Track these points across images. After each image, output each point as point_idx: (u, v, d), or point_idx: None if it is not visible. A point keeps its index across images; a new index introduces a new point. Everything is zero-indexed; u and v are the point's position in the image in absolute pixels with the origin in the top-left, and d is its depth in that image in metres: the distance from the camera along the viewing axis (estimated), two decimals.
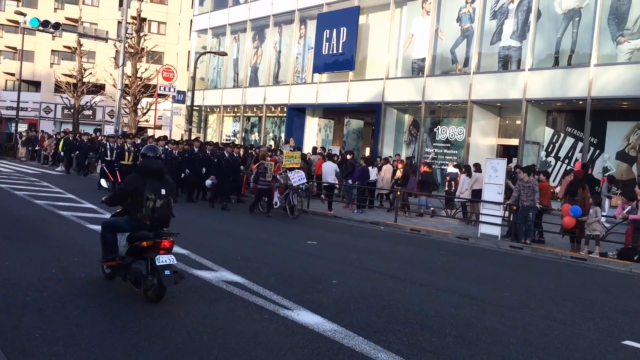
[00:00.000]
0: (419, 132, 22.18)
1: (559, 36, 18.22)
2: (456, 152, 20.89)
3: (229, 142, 28.28)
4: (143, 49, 32.25)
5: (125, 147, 16.52)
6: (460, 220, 15.42)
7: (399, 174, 16.43)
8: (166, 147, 16.15)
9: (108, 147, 17.78)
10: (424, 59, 21.94)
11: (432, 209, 16.32)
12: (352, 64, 24.07)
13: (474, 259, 10.23)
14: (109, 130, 32.11)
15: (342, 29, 24.41)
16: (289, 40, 28.37)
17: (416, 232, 13.32)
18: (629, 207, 10.71)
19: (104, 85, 38.64)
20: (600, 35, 16.99)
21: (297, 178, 14.45)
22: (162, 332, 4.94)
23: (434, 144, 21.94)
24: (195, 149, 16.56)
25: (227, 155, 15.66)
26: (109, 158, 17.38)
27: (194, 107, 28.37)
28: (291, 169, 14.64)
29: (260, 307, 5.91)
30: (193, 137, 24.08)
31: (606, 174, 16.72)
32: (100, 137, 23.41)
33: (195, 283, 6.73)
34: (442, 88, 21.18)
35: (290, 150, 15.95)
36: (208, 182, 15.35)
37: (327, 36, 25.09)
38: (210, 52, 31.07)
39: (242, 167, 17.18)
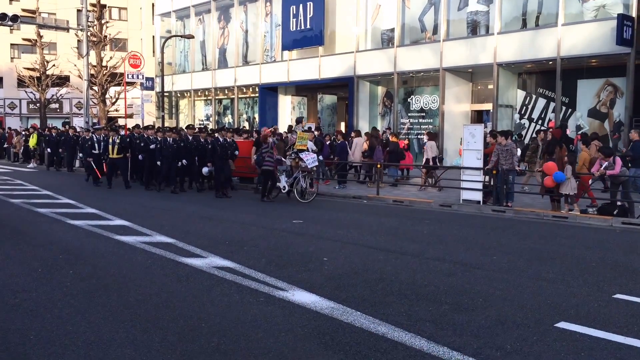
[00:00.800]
0: (393, 103, 22.19)
1: None
2: (431, 120, 20.99)
3: (202, 126, 27.94)
4: (106, 36, 31.45)
5: (110, 140, 16.16)
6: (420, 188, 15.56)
7: (365, 145, 16.48)
8: (157, 135, 15.75)
9: (95, 140, 17.44)
10: (393, 29, 21.84)
11: (396, 179, 16.56)
12: (322, 39, 23.85)
13: (459, 226, 10.34)
14: (78, 122, 31.37)
15: (308, 3, 24.10)
16: (255, 19, 27.93)
17: (399, 203, 13.40)
18: (606, 163, 10.90)
19: (69, 76, 37.65)
20: None
21: (311, 160, 13.64)
22: (158, 323, 4.89)
23: (409, 114, 22.00)
24: (190, 137, 15.95)
25: (221, 140, 14.82)
26: (96, 151, 17.11)
27: (164, 93, 27.89)
28: (301, 151, 13.84)
29: (254, 290, 5.89)
30: (169, 125, 23.71)
31: (579, 132, 17.00)
32: (81, 131, 22.40)
33: (186, 271, 6.66)
34: (413, 57, 21.16)
35: (302, 131, 15.39)
36: (205, 169, 14.83)
37: (294, 12, 24.75)
38: (176, 36, 30.46)
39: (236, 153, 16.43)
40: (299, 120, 16.65)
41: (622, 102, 16.54)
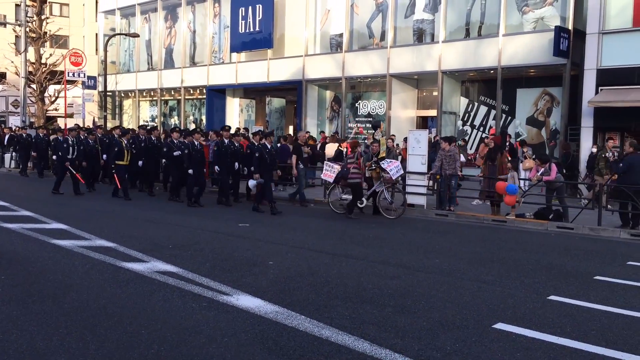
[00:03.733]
0: (341, 108, 22.37)
1: (468, 8, 18.84)
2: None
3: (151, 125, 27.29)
4: (46, 32, 30.30)
5: (124, 144, 14.09)
6: None
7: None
8: (184, 139, 13.59)
9: (70, 142, 15.10)
10: (341, 35, 22.03)
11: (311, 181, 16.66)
12: (270, 42, 23.78)
13: (403, 229, 10.52)
14: (14, 121, 30.00)
15: (257, 6, 23.99)
16: (203, 20, 27.56)
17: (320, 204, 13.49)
18: (542, 169, 11.36)
19: (5, 73, 36.00)
20: (507, 6, 17.73)
21: (396, 169, 11.92)
22: (95, 330, 4.72)
23: (356, 119, 22.22)
24: (175, 140, 13.96)
25: (196, 144, 13.36)
26: (70, 156, 14.88)
27: (107, 93, 27.09)
28: (381, 159, 12.10)
29: (197, 295, 5.78)
30: (113, 125, 23.00)
31: (518, 139, 17.63)
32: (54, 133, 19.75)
33: (126, 276, 6.47)
34: (361, 63, 21.40)
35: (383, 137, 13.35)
36: (252, 182, 12.49)
37: (243, 14, 24.58)
38: (120, 34, 29.64)
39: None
40: (376, 126, 13.98)
41: (558, 111, 17.28)
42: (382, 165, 11.85)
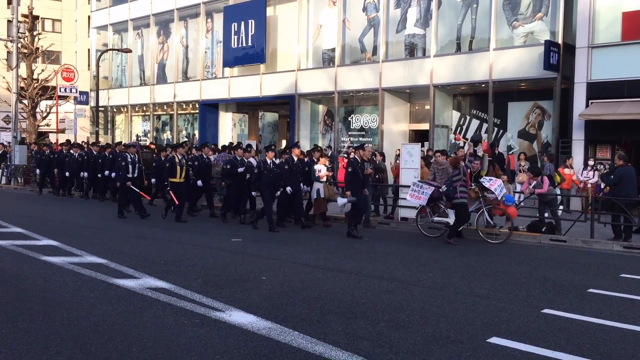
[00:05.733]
0: (334, 122, 22.42)
1: (459, 23, 19.00)
2: (371, 139, 21.31)
3: (141, 141, 27.26)
4: (38, 48, 30.29)
5: (177, 160, 13.01)
6: None
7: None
8: (252, 156, 13.41)
9: (129, 159, 13.78)
10: (333, 49, 22.15)
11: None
12: (263, 57, 23.87)
13: (397, 243, 10.49)
14: (5, 137, 29.86)
15: (250, 21, 24.11)
16: (196, 35, 27.66)
17: (340, 222, 13.45)
18: (535, 182, 11.39)
19: None
20: (497, 21, 17.90)
21: (500, 188, 10.58)
22: (85, 348, 4.65)
23: (349, 133, 22.27)
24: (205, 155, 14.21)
25: (130, 157, 13.33)
26: (130, 175, 13.67)
27: (99, 108, 27.07)
28: (479, 176, 11.00)
29: (189, 311, 5.72)
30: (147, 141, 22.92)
31: (510, 152, 17.72)
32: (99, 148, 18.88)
33: (117, 293, 6.40)
34: (353, 77, 21.50)
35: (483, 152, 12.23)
36: (342, 200, 11.45)
37: (236, 29, 24.69)
38: (113, 50, 29.67)
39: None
40: (477, 140, 12.31)
41: (550, 124, 17.39)
42: (484, 184, 10.66)
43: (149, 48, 29.96)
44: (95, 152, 18.02)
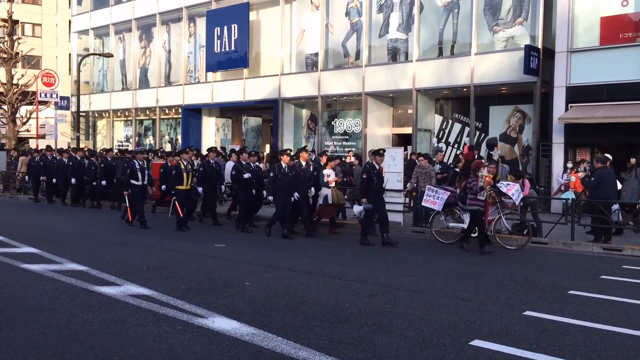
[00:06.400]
0: (317, 126, 22.45)
1: (441, 27, 19.16)
2: (354, 143, 21.38)
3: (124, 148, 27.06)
4: (18, 53, 29.91)
5: (182, 166, 12.59)
6: None
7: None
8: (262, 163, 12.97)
9: (137, 166, 13.12)
10: (317, 54, 22.19)
11: None
12: (246, 61, 23.84)
13: (380, 247, 10.51)
14: None
15: (233, 25, 24.07)
16: (178, 39, 27.54)
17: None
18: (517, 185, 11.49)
19: None
20: (478, 26, 18.09)
21: (517, 193, 10.38)
22: (66, 356, 4.59)
23: (333, 137, 22.32)
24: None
25: (139, 163, 12.95)
26: (140, 182, 13.06)
27: (80, 113, 26.80)
28: (497, 181, 10.55)
29: (172, 318, 5.68)
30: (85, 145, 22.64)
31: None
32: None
33: (98, 300, 6.33)
34: (336, 81, 21.56)
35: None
36: (358, 208, 11.04)
37: (218, 34, 24.63)
38: (94, 54, 29.41)
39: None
40: (492, 144, 11.80)
41: (530, 127, 17.59)
42: (501, 189, 10.33)
43: (131, 52, 29.75)
44: (79, 158, 17.83)
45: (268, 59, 24.07)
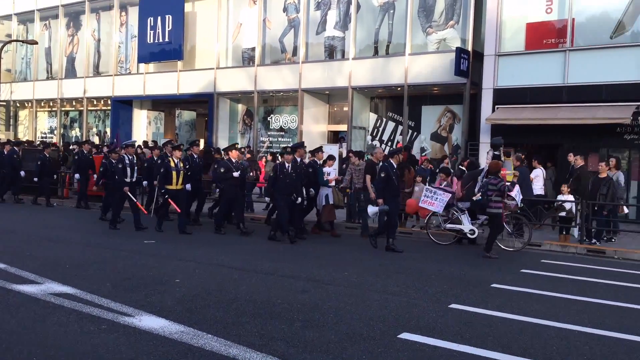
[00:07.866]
0: (253, 122, 22.28)
1: (377, 27, 19.46)
2: (290, 139, 21.37)
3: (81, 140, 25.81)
4: None
5: (172, 164, 11.41)
6: None
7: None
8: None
9: (127, 161, 12.21)
10: (253, 49, 21.99)
11: None
12: (181, 54, 23.29)
13: (314, 244, 10.57)
14: None
15: (167, 16, 23.44)
16: (109, 28, 26.52)
17: (257, 222, 13.39)
18: (445, 182, 11.88)
19: None
20: (412, 27, 18.50)
21: (519, 194, 10.28)
22: None
23: (269, 133, 22.21)
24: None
25: (128, 158, 12.12)
26: (128, 179, 12.14)
27: (1, 102, 25.33)
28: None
29: (96, 317, 5.47)
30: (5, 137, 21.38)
31: (423, 154, 18.37)
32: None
33: (17, 300, 6.01)
34: (273, 77, 21.45)
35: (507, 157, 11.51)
36: (373, 209, 10.25)
37: (152, 24, 23.91)
38: (17, 41, 27.82)
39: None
40: (497, 144, 11.00)
41: (459, 127, 18.21)
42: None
43: (57, 40, 28.39)
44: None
45: (204, 52, 23.62)
